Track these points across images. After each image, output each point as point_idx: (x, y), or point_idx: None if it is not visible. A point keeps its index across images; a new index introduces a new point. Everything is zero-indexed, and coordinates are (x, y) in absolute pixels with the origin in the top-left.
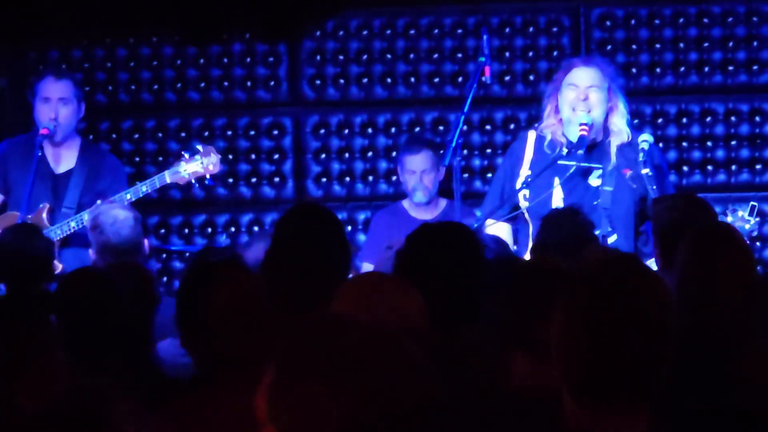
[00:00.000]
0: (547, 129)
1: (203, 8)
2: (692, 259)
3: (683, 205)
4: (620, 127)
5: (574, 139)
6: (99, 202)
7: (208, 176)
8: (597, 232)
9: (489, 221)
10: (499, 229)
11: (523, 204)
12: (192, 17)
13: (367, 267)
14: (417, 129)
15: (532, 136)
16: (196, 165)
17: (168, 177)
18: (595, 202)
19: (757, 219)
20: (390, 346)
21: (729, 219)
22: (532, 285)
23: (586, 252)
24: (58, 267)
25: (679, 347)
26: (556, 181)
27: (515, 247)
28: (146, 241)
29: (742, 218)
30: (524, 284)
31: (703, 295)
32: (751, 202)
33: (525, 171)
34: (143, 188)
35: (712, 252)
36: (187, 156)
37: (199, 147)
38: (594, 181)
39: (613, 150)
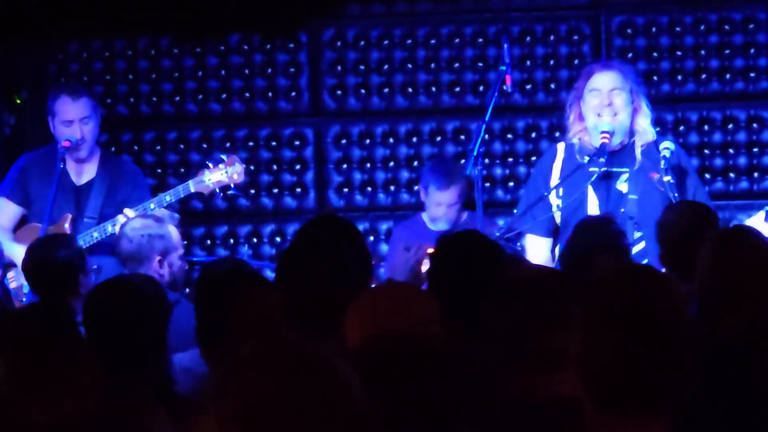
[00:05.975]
0: (575, 137)
1: (223, 20)
2: (715, 264)
3: (692, 213)
4: (645, 128)
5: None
6: (132, 214)
7: (232, 185)
8: None
9: (528, 238)
10: (539, 245)
11: (556, 210)
12: (211, 28)
13: None
14: (438, 138)
15: (561, 147)
16: (221, 174)
17: (192, 186)
18: (621, 210)
19: None
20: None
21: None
22: (541, 295)
23: (599, 263)
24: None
25: (703, 354)
26: (589, 189)
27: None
28: (159, 258)
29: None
30: (533, 294)
31: (728, 300)
32: (766, 207)
33: (555, 181)
34: (167, 197)
35: (736, 256)
36: (211, 165)
37: (223, 156)
38: (622, 186)
39: (638, 151)
